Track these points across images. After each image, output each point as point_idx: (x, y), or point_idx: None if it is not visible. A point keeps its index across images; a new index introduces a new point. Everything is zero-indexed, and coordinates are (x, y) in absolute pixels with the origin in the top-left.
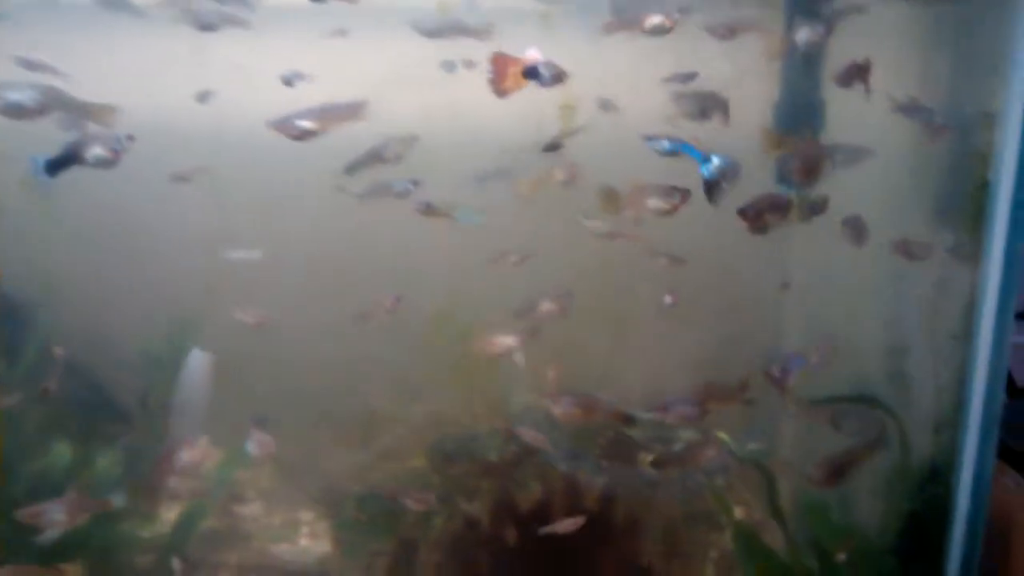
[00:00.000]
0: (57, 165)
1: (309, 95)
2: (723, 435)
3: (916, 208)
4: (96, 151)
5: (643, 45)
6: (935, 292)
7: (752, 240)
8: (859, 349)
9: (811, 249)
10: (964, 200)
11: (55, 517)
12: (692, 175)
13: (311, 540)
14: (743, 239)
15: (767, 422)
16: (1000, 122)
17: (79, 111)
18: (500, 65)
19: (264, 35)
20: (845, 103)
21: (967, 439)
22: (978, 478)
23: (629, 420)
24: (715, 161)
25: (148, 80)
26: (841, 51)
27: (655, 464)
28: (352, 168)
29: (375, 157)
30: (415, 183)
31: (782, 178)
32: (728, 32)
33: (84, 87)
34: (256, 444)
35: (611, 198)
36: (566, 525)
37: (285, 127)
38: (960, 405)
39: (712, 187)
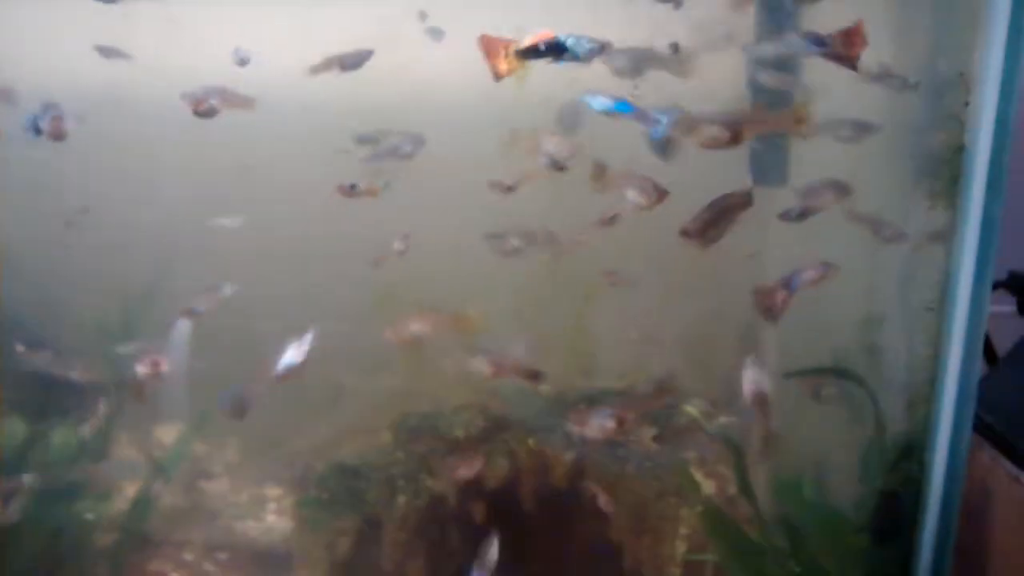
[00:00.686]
0: None
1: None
2: (692, 409)
3: (889, 174)
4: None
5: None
6: (909, 262)
7: None
8: (831, 320)
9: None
10: (939, 165)
11: None
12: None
13: (278, 517)
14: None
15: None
16: (976, 82)
17: None
18: (492, 46)
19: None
20: (814, 64)
21: (942, 414)
22: (953, 454)
23: (535, 376)
24: (663, 120)
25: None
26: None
27: (657, 440)
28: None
29: (391, 153)
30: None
31: None
32: None
33: None
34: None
35: (600, 175)
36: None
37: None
38: (935, 379)
39: (664, 145)
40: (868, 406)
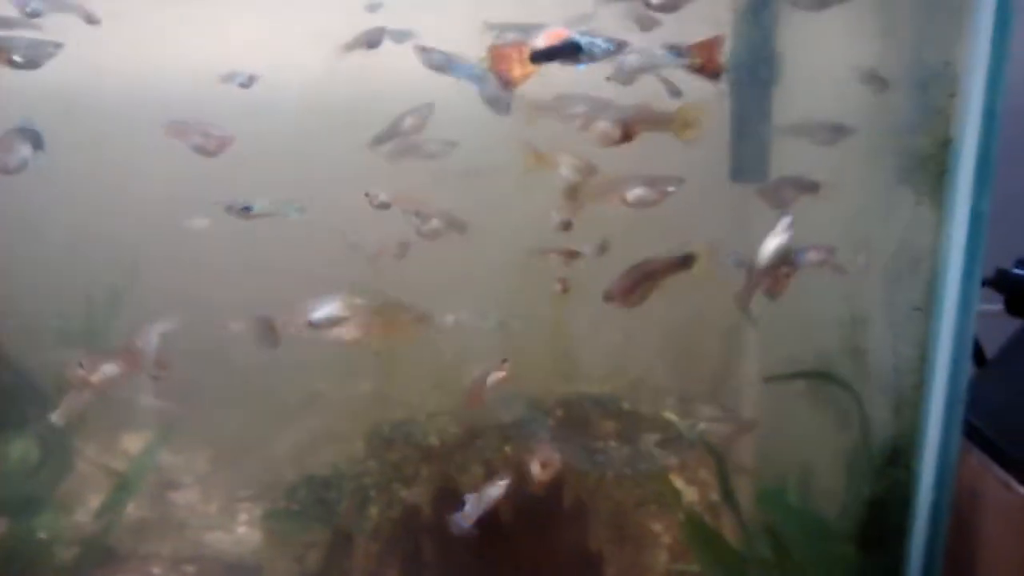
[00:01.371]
0: None
1: None
2: (671, 415)
3: (873, 170)
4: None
5: None
6: (895, 259)
7: (698, 212)
8: (815, 321)
9: (762, 215)
10: (925, 160)
11: None
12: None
13: (248, 528)
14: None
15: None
16: (963, 72)
17: None
18: (502, 53)
19: None
20: (797, 55)
21: (930, 419)
22: (942, 460)
23: (425, 320)
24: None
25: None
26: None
27: (660, 445)
28: (379, 139)
29: (396, 131)
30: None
31: None
32: None
33: None
34: None
35: (574, 192)
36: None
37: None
38: (922, 382)
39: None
40: (854, 410)
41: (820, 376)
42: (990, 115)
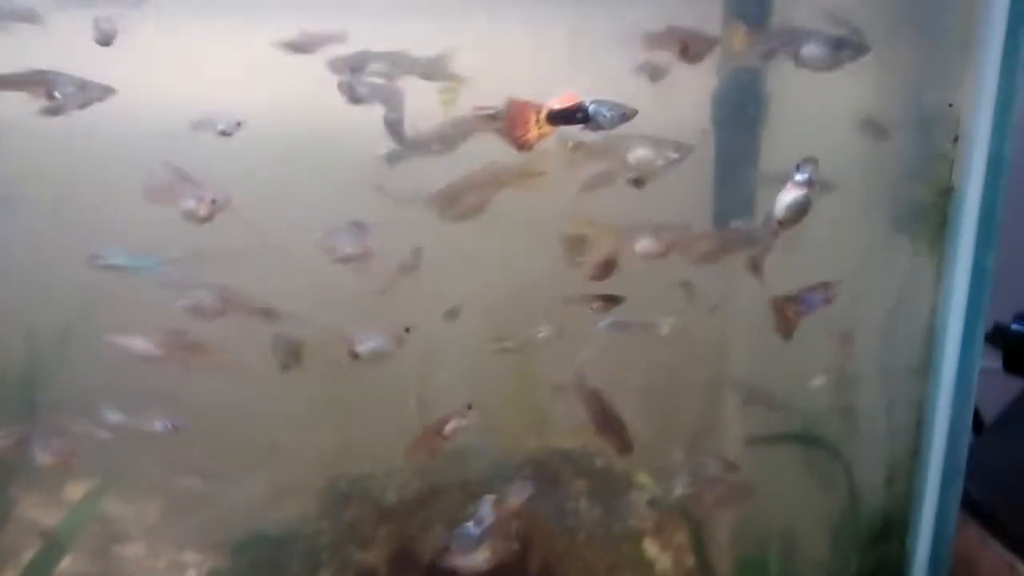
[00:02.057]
0: None
1: None
2: (645, 478)
3: (868, 218)
4: None
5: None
6: (890, 316)
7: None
8: (802, 378)
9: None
10: (924, 209)
11: None
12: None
13: None
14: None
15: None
16: (966, 115)
17: None
18: (520, 114)
19: None
20: (786, 92)
21: (926, 490)
22: (938, 536)
23: (270, 314)
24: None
25: None
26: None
27: (651, 503)
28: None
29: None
30: None
31: None
32: None
33: None
34: None
35: (577, 245)
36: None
37: None
38: (918, 450)
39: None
40: (842, 477)
41: (806, 440)
42: (996, 161)
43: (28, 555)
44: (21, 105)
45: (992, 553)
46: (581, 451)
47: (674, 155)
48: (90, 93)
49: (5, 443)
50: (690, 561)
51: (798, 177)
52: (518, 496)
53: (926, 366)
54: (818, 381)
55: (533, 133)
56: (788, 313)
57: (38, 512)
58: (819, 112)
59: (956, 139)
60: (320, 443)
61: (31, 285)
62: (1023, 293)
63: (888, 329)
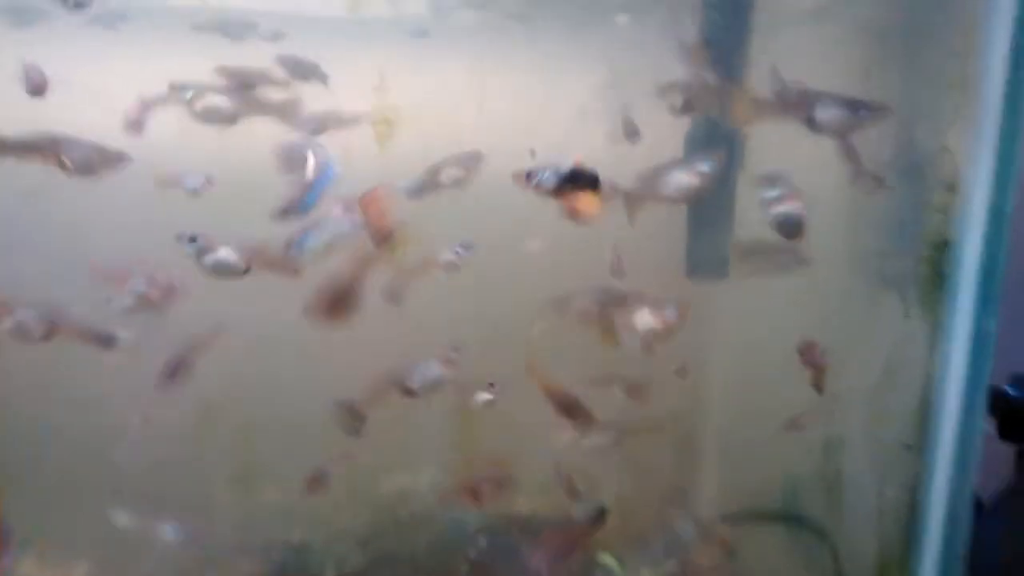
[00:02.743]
0: None
1: None
2: (609, 559)
3: (852, 274)
4: None
5: None
6: (879, 384)
7: None
8: (783, 457)
9: (725, 323)
10: (917, 265)
11: None
12: None
13: None
14: None
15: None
16: (964, 161)
17: None
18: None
19: None
20: (766, 132)
21: None
22: None
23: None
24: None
25: None
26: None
27: None
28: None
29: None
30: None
31: None
32: None
33: None
34: None
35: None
36: None
37: None
38: (913, 534)
39: None
40: (827, 562)
41: (789, 518)
42: (997, 212)
43: None
44: None
45: None
46: (541, 519)
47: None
48: (105, 160)
49: None
50: None
51: (770, 195)
52: None
53: (921, 440)
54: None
55: (387, 219)
56: (818, 365)
57: None
58: (798, 156)
59: (952, 188)
60: (262, 504)
61: None
62: (1018, 352)
63: (877, 398)
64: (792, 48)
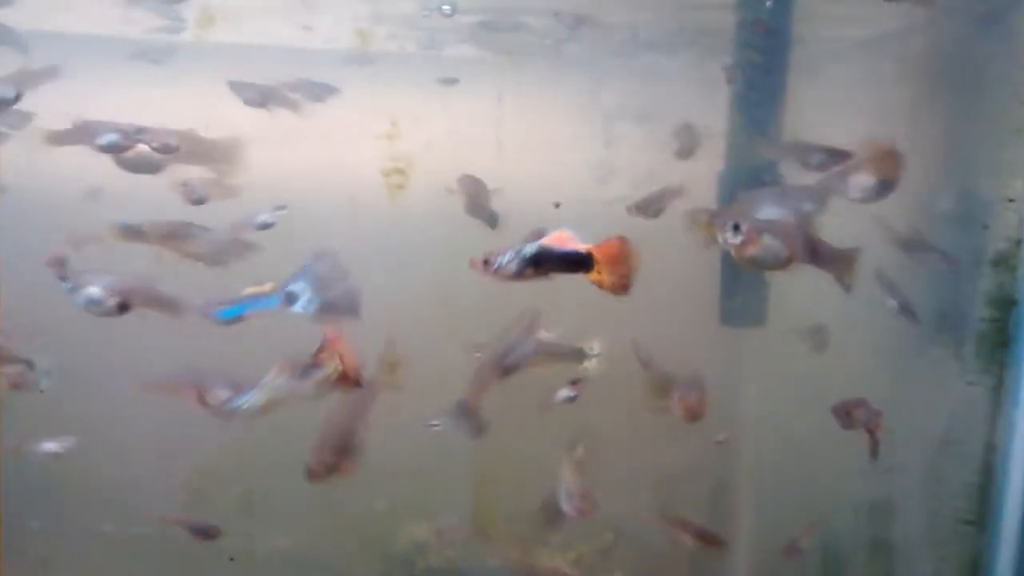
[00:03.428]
0: None
1: None
2: None
3: (907, 337)
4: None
5: None
6: (936, 455)
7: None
8: (838, 534)
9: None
10: (979, 328)
11: None
12: None
13: None
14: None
15: None
16: None
17: None
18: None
19: None
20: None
21: None
22: None
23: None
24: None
25: None
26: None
27: None
28: None
29: None
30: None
31: None
32: None
33: None
34: None
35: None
36: None
37: None
38: None
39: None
40: None
41: None
42: None
43: None
44: None
45: None
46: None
47: None
48: (236, 249)
49: None
50: None
51: (734, 240)
52: None
53: (982, 516)
54: None
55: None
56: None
57: None
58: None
59: (1018, 241)
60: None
61: None
62: None
63: (935, 470)
64: (835, 86)
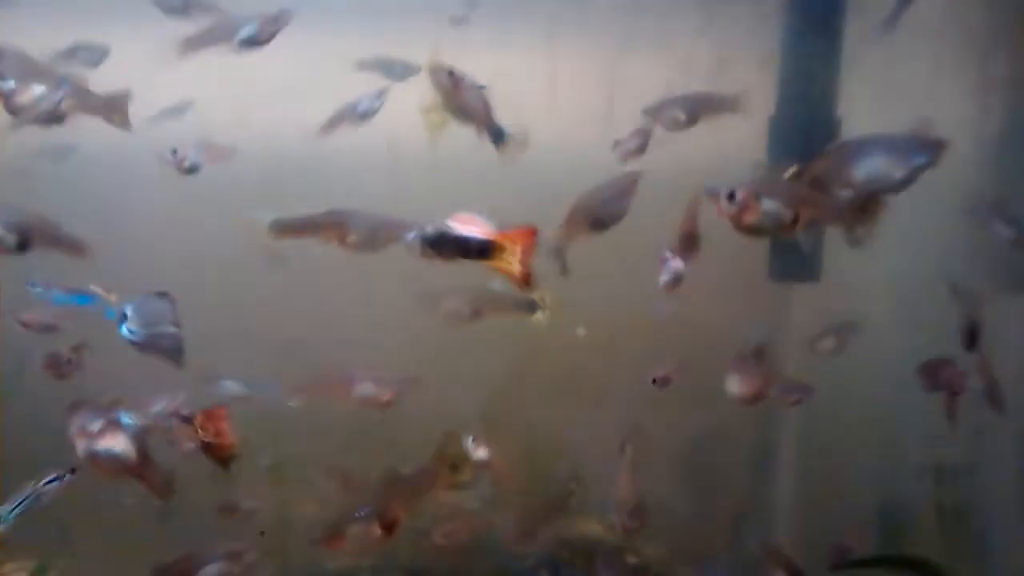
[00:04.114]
0: None
1: None
2: None
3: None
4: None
5: None
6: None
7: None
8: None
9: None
10: None
11: None
12: None
13: None
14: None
15: None
16: None
17: None
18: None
19: None
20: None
21: None
22: None
23: None
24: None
25: None
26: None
27: None
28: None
29: None
30: None
31: None
32: None
33: None
34: None
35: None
36: None
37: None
38: None
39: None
40: None
41: (909, 564)
42: None
43: None
44: None
45: None
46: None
47: None
48: (388, 233)
49: None
50: None
51: (729, 209)
52: None
53: None
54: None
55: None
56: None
57: None
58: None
59: None
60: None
61: None
62: None
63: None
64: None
